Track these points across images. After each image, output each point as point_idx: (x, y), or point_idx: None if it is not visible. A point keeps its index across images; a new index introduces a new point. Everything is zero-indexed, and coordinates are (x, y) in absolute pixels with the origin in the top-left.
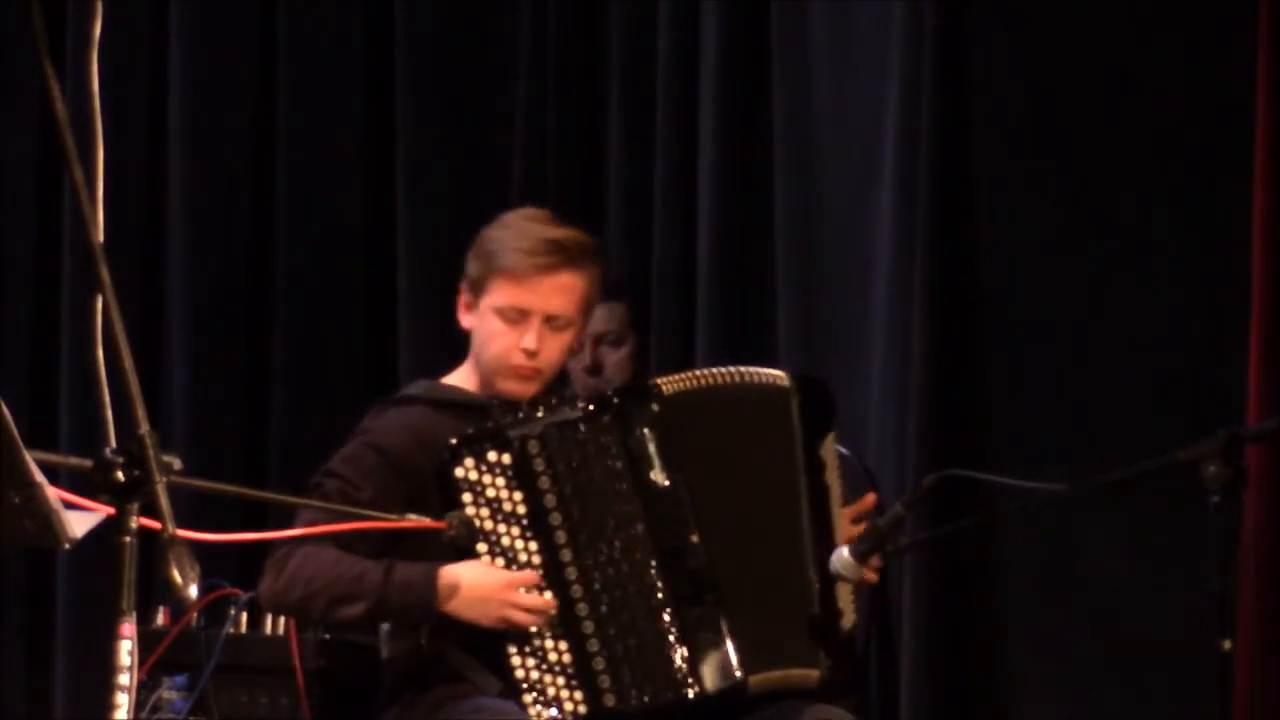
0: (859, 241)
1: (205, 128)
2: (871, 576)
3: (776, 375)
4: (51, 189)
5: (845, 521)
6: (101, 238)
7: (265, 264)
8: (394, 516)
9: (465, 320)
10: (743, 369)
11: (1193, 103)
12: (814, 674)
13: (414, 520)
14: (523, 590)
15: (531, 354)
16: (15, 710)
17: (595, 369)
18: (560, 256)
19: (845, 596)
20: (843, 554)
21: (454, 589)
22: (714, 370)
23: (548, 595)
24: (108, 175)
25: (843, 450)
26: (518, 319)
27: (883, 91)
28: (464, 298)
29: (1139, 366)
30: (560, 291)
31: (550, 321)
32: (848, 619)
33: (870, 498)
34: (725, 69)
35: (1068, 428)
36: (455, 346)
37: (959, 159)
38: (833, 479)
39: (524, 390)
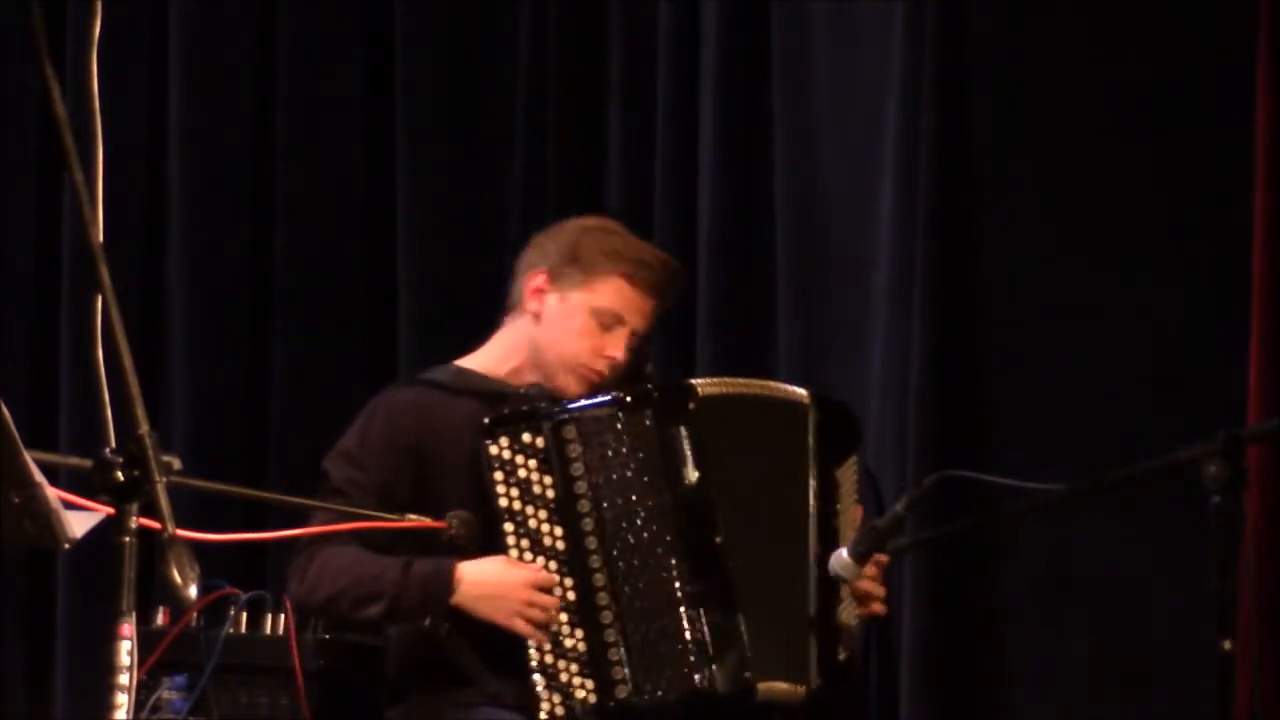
0: (859, 241)
1: (205, 128)
2: (879, 608)
3: (797, 391)
4: (51, 189)
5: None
6: (101, 238)
7: (265, 265)
8: (394, 517)
9: (533, 305)
10: (769, 382)
11: (1193, 103)
12: (800, 689)
13: (414, 520)
14: (540, 592)
15: (615, 365)
16: (15, 710)
17: None
18: (672, 287)
19: (847, 618)
20: (841, 554)
21: (472, 584)
22: (744, 379)
23: (559, 592)
24: (108, 175)
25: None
26: (611, 325)
27: (883, 91)
28: (538, 282)
29: (1139, 366)
30: (654, 314)
31: (632, 337)
32: (846, 645)
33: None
34: (725, 69)
35: (1068, 428)
36: (454, 346)
37: (959, 159)
38: (847, 501)
39: (581, 390)
